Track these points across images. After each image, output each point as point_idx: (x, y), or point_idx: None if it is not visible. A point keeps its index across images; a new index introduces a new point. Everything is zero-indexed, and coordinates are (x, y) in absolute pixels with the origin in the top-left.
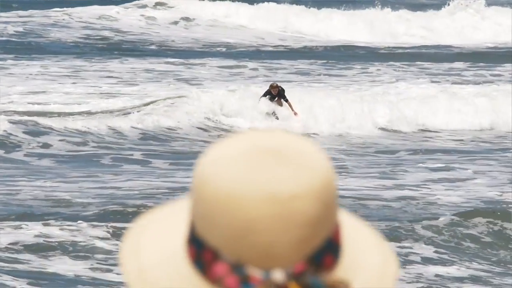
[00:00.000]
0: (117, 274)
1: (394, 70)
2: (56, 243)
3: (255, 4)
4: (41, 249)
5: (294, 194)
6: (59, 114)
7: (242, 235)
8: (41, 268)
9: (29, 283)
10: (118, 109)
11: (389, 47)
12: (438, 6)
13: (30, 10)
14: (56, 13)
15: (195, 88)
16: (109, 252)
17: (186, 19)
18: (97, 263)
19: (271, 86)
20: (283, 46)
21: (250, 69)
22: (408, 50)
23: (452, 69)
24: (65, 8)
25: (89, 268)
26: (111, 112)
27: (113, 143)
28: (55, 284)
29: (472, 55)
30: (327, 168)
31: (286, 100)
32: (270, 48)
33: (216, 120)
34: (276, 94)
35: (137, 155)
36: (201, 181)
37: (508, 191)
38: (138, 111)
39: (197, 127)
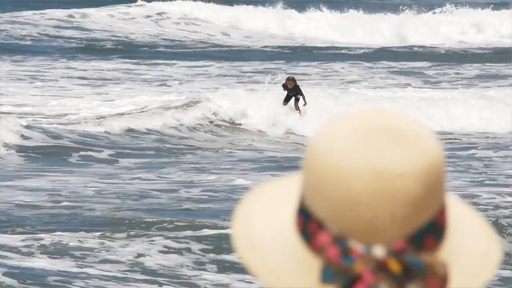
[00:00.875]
0: (97, 269)
1: (358, 68)
2: (33, 245)
3: (239, 5)
4: (18, 248)
5: (399, 173)
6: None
7: (346, 208)
8: (17, 263)
9: (4, 274)
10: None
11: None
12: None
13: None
14: (27, 13)
15: (178, 87)
16: (86, 249)
17: (160, 14)
18: (73, 260)
19: (288, 79)
20: (247, 46)
21: (217, 67)
22: (373, 50)
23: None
24: (39, 11)
25: (64, 265)
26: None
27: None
28: (28, 277)
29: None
30: (436, 150)
31: (302, 94)
32: (237, 48)
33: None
34: (291, 87)
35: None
36: (313, 153)
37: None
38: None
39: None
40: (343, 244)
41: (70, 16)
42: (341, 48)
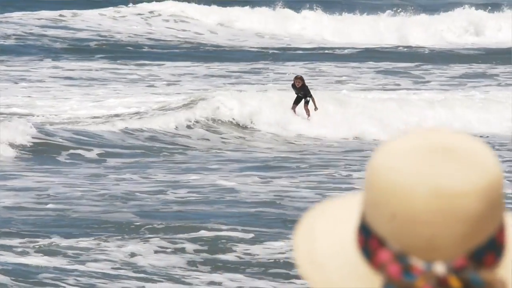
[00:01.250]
0: (88, 267)
1: (346, 68)
2: (26, 245)
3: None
4: (11, 247)
5: (459, 191)
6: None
7: (407, 225)
8: (10, 260)
9: None
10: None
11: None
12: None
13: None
14: (17, 13)
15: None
16: (80, 249)
17: (152, 12)
18: (66, 259)
19: (295, 78)
20: (235, 45)
21: (206, 67)
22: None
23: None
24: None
25: (54, 262)
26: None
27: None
28: (21, 273)
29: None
30: (496, 168)
31: (310, 96)
32: (225, 48)
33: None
34: (299, 86)
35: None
36: (373, 172)
37: None
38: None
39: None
40: (404, 261)
41: (61, 15)
42: (329, 48)
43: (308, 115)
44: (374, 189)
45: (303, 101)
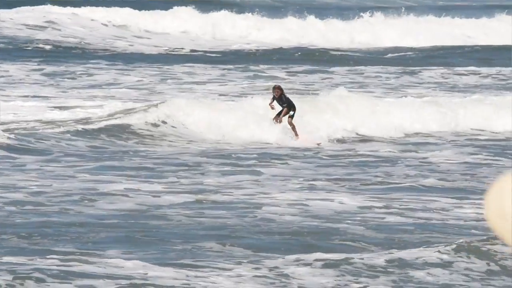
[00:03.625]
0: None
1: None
2: None
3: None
4: None
5: None
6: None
7: None
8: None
9: None
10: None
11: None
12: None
13: None
14: None
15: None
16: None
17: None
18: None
19: (273, 88)
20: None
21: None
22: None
23: None
24: None
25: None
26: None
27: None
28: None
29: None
30: None
31: (288, 106)
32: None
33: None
34: (278, 96)
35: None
36: None
37: None
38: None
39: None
40: None
41: None
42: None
43: (295, 133)
44: None
45: (286, 116)
